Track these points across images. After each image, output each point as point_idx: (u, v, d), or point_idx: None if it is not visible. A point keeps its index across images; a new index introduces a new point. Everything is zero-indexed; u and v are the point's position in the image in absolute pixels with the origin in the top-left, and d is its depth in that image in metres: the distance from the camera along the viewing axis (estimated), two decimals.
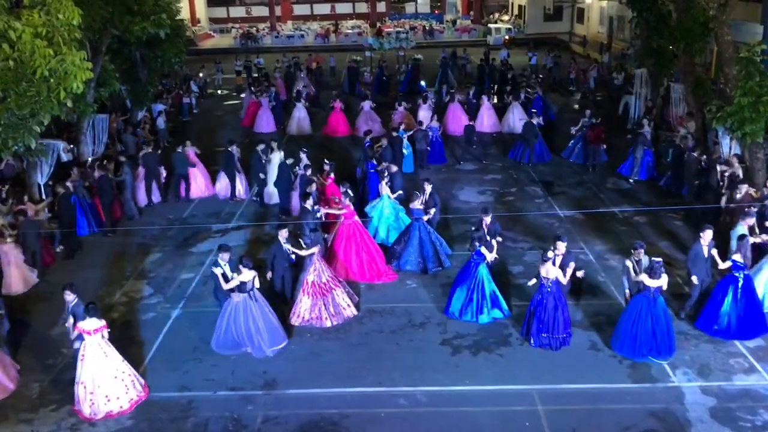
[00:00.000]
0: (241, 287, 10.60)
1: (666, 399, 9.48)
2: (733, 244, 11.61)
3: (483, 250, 11.58)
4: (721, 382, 9.80)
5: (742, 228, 11.85)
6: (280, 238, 11.90)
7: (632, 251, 10.85)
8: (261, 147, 17.39)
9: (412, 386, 9.89)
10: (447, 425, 9.11)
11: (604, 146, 19.78)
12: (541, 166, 19.98)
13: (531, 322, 10.72)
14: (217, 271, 10.90)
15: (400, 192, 14.74)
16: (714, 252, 11.11)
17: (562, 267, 10.76)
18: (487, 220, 12.23)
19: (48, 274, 13.64)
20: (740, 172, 14.60)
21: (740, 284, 10.78)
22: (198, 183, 18.13)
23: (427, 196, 13.71)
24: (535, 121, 20.27)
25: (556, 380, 9.93)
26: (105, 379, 9.38)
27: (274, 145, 17.79)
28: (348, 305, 11.81)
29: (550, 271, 10.46)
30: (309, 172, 15.56)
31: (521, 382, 9.91)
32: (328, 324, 11.51)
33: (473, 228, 12.26)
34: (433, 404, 9.54)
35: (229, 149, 17.73)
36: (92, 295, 12.50)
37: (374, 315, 11.91)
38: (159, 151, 18.55)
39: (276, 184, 16.67)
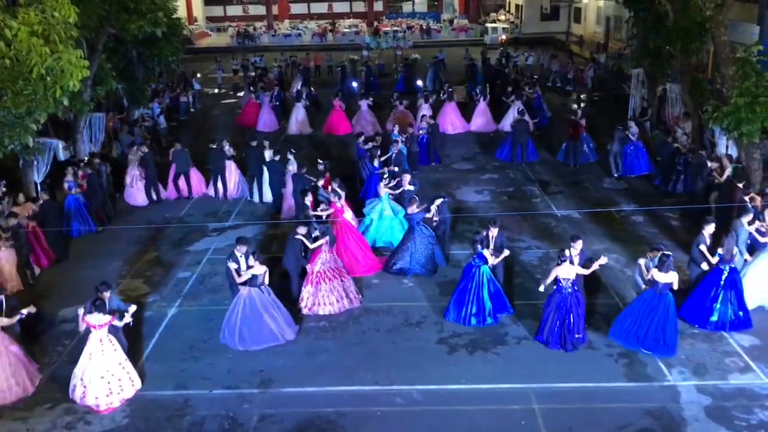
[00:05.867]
0: (252, 281, 10.71)
1: (662, 398, 9.50)
2: (739, 239, 11.74)
3: (486, 252, 11.42)
4: (717, 381, 9.82)
5: (744, 223, 11.95)
6: (298, 235, 12.00)
7: (651, 252, 10.81)
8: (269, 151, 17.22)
9: (409, 385, 9.90)
10: (443, 424, 9.11)
11: (593, 145, 19.95)
12: (537, 165, 20.00)
13: (554, 327, 10.54)
14: (232, 266, 11.04)
15: (416, 197, 13.68)
16: (703, 248, 11.21)
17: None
18: (494, 231, 11.77)
19: (43, 274, 13.59)
20: (729, 170, 14.73)
21: (725, 276, 10.94)
22: (191, 181, 18.09)
23: (435, 207, 13.34)
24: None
25: (553, 379, 9.94)
26: (94, 376, 9.41)
27: (266, 143, 17.81)
28: (354, 296, 12.07)
29: (570, 271, 10.43)
30: (304, 170, 15.59)
31: (517, 381, 9.92)
32: (330, 310, 11.74)
33: (475, 233, 12.18)
34: (430, 403, 9.54)
35: (214, 147, 17.80)
36: (87, 295, 12.48)
37: (371, 314, 11.91)
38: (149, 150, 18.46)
39: (269, 183, 16.77)
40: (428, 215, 13.26)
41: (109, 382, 9.47)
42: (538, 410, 9.29)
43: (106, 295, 9.96)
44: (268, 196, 17.22)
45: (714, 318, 10.99)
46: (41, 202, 14.23)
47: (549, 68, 33.01)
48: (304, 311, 11.83)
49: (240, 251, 11.11)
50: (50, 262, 14.09)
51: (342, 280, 12.02)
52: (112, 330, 9.75)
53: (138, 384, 9.86)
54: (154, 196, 17.53)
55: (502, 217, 14.95)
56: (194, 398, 9.73)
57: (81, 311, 9.60)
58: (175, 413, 9.42)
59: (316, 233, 12.09)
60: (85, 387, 9.45)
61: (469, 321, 11.38)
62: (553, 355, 10.52)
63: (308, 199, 13.49)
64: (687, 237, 14.27)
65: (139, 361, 10.58)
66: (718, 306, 10.96)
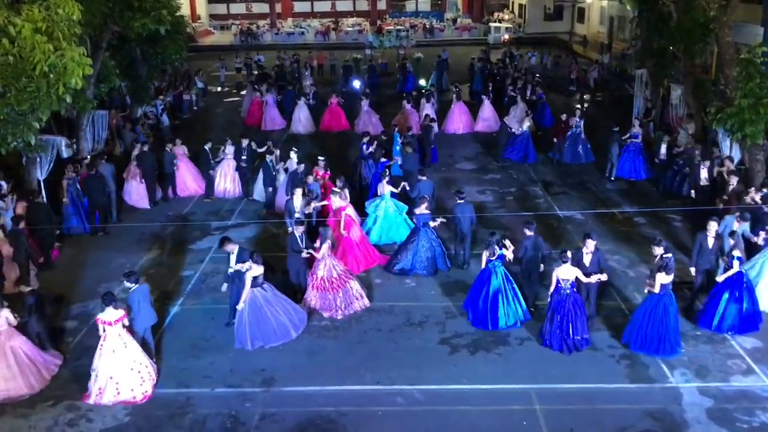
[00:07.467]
0: (254, 282, 10.76)
1: (663, 399, 9.49)
2: (726, 243, 11.75)
3: (505, 251, 11.38)
4: (719, 383, 9.81)
5: (736, 226, 12.02)
6: (295, 233, 12.00)
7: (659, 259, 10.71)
8: (272, 155, 16.92)
9: (410, 385, 9.90)
10: (444, 424, 9.11)
11: (588, 146, 20.00)
12: (540, 166, 19.97)
13: (554, 328, 10.54)
14: (250, 274, 11.00)
15: (426, 198, 13.58)
16: (736, 252, 11.00)
17: (591, 265, 10.82)
18: (529, 233, 11.63)
19: (44, 272, 13.55)
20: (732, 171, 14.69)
21: (746, 279, 10.97)
22: (185, 182, 18.05)
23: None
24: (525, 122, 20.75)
25: (554, 380, 9.94)
26: (122, 370, 9.50)
27: (270, 143, 17.76)
28: (360, 296, 12.00)
29: (571, 273, 10.40)
30: (302, 168, 15.60)
31: (519, 382, 9.92)
32: (339, 316, 11.69)
33: (491, 232, 12.01)
34: (431, 403, 9.54)
35: (204, 147, 17.80)
36: (90, 293, 12.55)
37: (373, 313, 11.91)
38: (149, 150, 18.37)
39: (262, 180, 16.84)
40: (433, 225, 13.21)
41: (139, 372, 9.65)
42: (540, 411, 9.29)
43: (130, 284, 10.10)
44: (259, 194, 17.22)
45: (734, 322, 10.96)
46: (26, 203, 13.99)
47: (530, 66, 33.19)
48: (306, 308, 11.85)
49: (233, 253, 11.13)
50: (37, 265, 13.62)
51: (346, 289, 11.88)
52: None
53: (155, 367, 10.07)
54: (159, 195, 17.50)
55: (505, 218, 15.03)
56: (196, 397, 9.74)
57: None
58: (177, 411, 9.43)
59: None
60: (117, 383, 9.50)
61: (515, 323, 11.32)
62: (554, 356, 10.51)
63: (298, 197, 13.61)
64: (690, 238, 14.25)
65: None
66: (733, 308, 10.93)
